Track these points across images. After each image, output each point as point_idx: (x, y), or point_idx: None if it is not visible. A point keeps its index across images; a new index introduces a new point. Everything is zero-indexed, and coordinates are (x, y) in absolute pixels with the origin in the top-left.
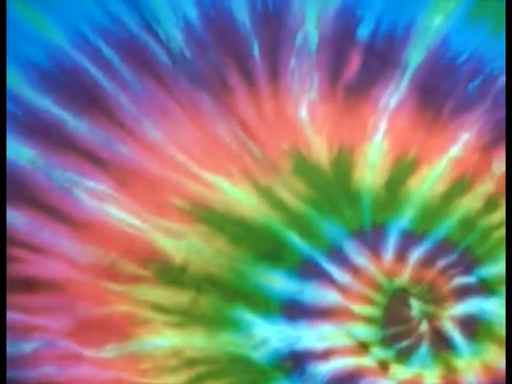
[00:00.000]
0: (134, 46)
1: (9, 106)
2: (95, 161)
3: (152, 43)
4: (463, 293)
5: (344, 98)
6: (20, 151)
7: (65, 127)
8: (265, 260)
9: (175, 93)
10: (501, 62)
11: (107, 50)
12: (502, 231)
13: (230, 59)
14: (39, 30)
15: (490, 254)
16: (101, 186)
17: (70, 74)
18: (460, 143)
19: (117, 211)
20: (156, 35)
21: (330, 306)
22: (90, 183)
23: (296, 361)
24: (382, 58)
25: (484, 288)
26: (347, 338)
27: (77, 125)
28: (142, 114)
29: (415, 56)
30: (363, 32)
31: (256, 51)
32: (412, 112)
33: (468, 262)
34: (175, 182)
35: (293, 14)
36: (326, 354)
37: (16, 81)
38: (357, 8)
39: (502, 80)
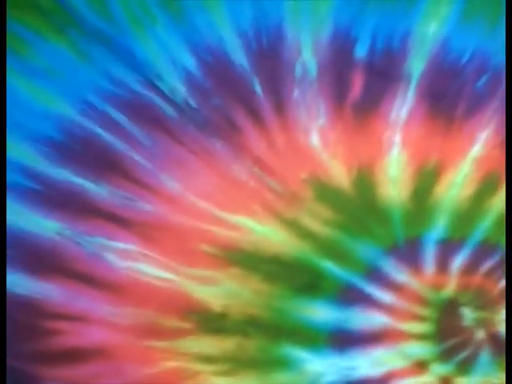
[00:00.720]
0: (140, 104)
1: (29, 183)
2: (120, 222)
3: (157, 99)
4: None
5: (353, 118)
6: (46, 224)
7: (86, 194)
8: (303, 293)
9: (186, 142)
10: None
11: (115, 113)
12: None
13: (234, 101)
14: (46, 104)
15: None
16: (129, 245)
17: (82, 142)
18: (479, 143)
19: (148, 268)
20: (159, 91)
21: (379, 328)
22: (119, 244)
23: None
24: (384, 72)
25: None
26: (403, 359)
27: (97, 190)
28: (158, 168)
29: (417, 65)
30: (361, 51)
31: (258, 88)
32: (424, 120)
33: None
34: (201, 230)
35: (288, 45)
36: (384, 380)
37: (32, 157)
38: (350, 28)
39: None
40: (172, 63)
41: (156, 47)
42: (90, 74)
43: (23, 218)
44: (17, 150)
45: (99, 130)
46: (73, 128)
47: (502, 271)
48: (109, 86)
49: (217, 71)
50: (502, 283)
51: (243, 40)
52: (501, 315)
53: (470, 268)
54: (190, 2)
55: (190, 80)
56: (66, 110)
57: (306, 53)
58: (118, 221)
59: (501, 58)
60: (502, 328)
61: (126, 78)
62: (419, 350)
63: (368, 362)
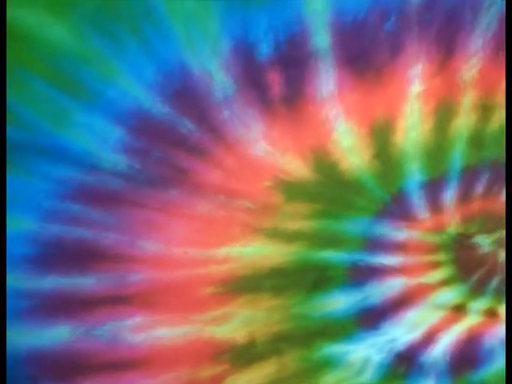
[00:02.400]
0: (89, 189)
1: (25, 302)
2: (118, 301)
3: (102, 178)
4: None
5: (287, 110)
6: (57, 333)
7: (79, 290)
8: (316, 290)
9: (147, 203)
10: None
11: (72, 206)
12: None
13: (172, 147)
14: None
15: None
16: (136, 318)
17: (57, 246)
18: (415, 79)
19: (163, 331)
20: (101, 171)
21: (401, 292)
22: (127, 322)
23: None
24: (296, 60)
25: None
26: (438, 311)
27: (87, 282)
28: (133, 238)
29: (322, 38)
30: (266, 51)
31: (189, 125)
32: (354, 87)
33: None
34: (196, 275)
35: (197, 77)
36: (429, 338)
37: (17, 277)
38: (247, 34)
39: None
40: (102, 141)
41: (85, 133)
42: (35, 182)
43: (32, 335)
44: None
45: (67, 230)
46: (41, 236)
47: (498, 186)
48: (55, 185)
49: (145, 128)
50: (503, 199)
51: (156, 89)
52: None
53: (464, 198)
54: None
55: (125, 147)
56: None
57: (217, 75)
58: (116, 301)
59: None
60: None
61: (68, 172)
62: (449, 296)
63: (405, 328)
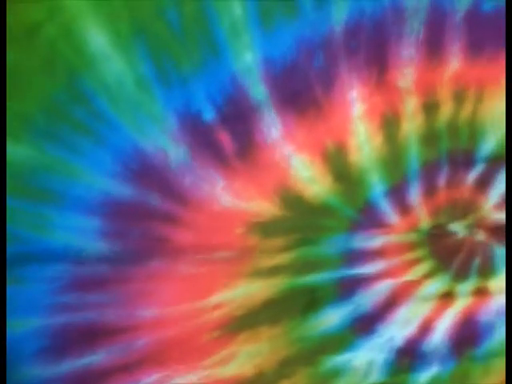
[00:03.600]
0: (74, 274)
1: None
2: (128, 368)
3: (85, 269)
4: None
5: (242, 164)
6: None
7: (95, 367)
8: (310, 309)
9: (133, 278)
10: None
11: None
12: None
13: (147, 219)
14: None
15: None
16: (151, 378)
17: (64, 330)
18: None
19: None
20: (82, 261)
21: (388, 294)
22: None
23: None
24: (238, 114)
25: None
26: (428, 303)
27: (98, 357)
28: (131, 310)
29: (260, 90)
30: (209, 114)
31: (155, 202)
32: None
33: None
34: (195, 326)
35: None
36: (426, 327)
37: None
38: (192, 101)
39: None
40: (82, 234)
41: (66, 231)
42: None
43: None
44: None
45: (70, 317)
46: (49, 329)
47: (460, 173)
48: (49, 283)
49: (117, 212)
50: (467, 184)
51: (118, 176)
52: (489, 207)
53: (429, 192)
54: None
55: (103, 234)
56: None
57: (170, 148)
58: (128, 367)
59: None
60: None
61: (58, 269)
62: (435, 286)
63: (400, 325)
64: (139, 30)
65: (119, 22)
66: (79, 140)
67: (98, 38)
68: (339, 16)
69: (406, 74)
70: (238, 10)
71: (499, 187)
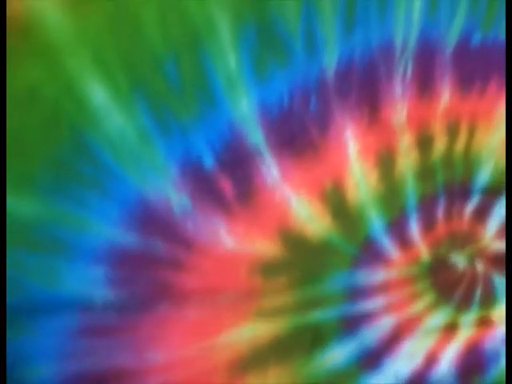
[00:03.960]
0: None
1: None
2: None
3: (93, 317)
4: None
5: (244, 210)
6: None
7: None
8: (316, 347)
9: (147, 324)
10: None
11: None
12: None
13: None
14: None
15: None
16: None
17: None
18: (351, 141)
19: None
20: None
21: (391, 331)
22: None
23: None
24: (239, 157)
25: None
26: (431, 336)
27: None
28: (142, 366)
29: (256, 138)
30: (208, 163)
31: (160, 248)
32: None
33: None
34: (207, 365)
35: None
36: (431, 360)
37: None
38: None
39: None
40: (89, 282)
41: (73, 281)
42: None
43: None
44: None
45: (81, 365)
46: (60, 378)
47: (457, 205)
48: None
49: (124, 260)
50: (465, 215)
51: (124, 225)
52: (488, 238)
53: (428, 226)
54: None
55: (110, 282)
56: None
57: (173, 195)
58: None
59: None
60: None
61: (65, 319)
62: (438, 318)
63: (405, 358)
64: (138, 84)
65: (118, 77)
66: (85, 193)
67: (98, 94)
68: (329, 60)
69: (399, 111)
70: (232, 62)
71: (497, 217)
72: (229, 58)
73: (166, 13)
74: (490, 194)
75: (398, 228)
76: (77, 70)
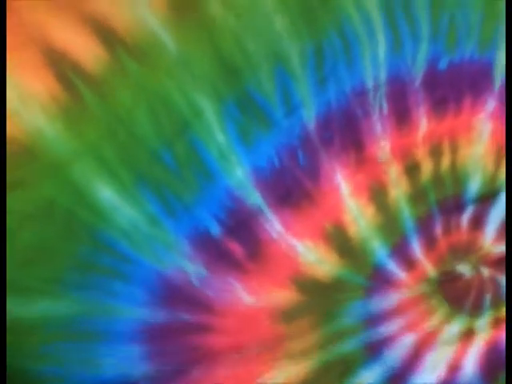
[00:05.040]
0: None
1: None
2: None
3: None
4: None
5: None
6: None
7: None
8: (344, 377)
9: None
10: None
11: None
12: None
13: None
14: None
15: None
16: None
17: None
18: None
19: None
20: None
21: (411, 348)
22: None
23: None
24: (241, 219)
25: None
26: (452, 345)
27: None
28: None
29: (255, 199)
30: (216, 230)
31: (186, 317)
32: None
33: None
34: None
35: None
36: (455, 367)
37: None
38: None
39: None
40: (126, 361)
41: (111, 364)
42: None
43: None
44: None
45: None
46: None
47: (454, 219)
48: None
49: (156, 336)
50: (463, 227)
51: (150, 306)
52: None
53: (429, 244)
54: None
55: (146, 357)
56: None
57: (189, 267)
58: None
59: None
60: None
61: None
62: (455, 329)
63: (430, 370)
64: (140, 176)
65: (121, 174)
66: (110, 282)
67: (106, 193)
68: (309, 115)
69: (382, 146)
70: (221, 137)
71: (493, 222)
72: (217, 135)
73: (154, 108)
74: (483, 201)
75: (401, 252)
76: (84, 176)
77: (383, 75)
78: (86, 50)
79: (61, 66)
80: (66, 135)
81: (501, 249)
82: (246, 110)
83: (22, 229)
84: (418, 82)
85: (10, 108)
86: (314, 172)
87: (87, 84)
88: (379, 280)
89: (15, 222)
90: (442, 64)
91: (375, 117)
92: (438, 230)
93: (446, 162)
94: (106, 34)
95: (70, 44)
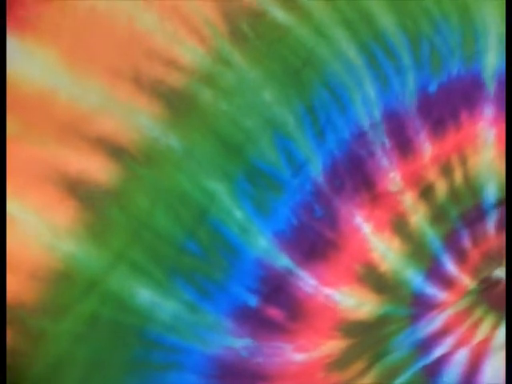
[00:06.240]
0: None
1: None
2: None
3: None
4: None
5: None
6: None
7: None
8: None
9: None
10: None
11: None
12: None
13: None
14: None
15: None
16: None
17: None
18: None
19: None
20: None
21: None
22: None
23: None
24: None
25: None
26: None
27: None
28: None
29: (285, 262)
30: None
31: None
32: None
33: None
34: None
35: None
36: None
37: None
38: None
39: None
40: None
41: None
42: None
43: None
44: None
45: None
46: None
47: (478, 230)
48: None
49: None
50: (491, 226)
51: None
52: None
53: (460, 260)
54: None
55: None
56: None
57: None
58: None
59: None
60: None
61: None
62: (502, 333)
63: (492, 379)
64: (172, 270)
65: (154, 273)
66: (165, 376)
67: (145, 295)
68: (316, 169)
69: (392, 179)
70: (238, 214)
71: None
72: (234, 213)
73: (172, 204)
74: (503, 203)
75: (436, 273)
76: (121, 284)
77: (378, 113)
78: (98, 169)
79: (79, 189)
80: (96, 252)
81: None
82: (255, 182)
83: (74, 350)
84: (412, 110)
85: (42, 241)
86: (333, 220)
87: (106, 199)
88: (421, 306)
89: (67, 344)
90: (432, 87)
91: (379, 153)
92: (467, 242)
93: (458, 176)
94: (114, 150)
95: (82, 167)
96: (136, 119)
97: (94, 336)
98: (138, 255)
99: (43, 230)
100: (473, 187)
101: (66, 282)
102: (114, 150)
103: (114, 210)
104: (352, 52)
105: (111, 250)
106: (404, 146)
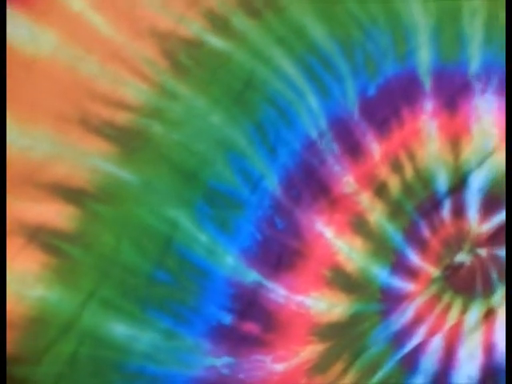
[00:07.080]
0: None
1: None
2: None
3: None
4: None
5: None
6: None
7: None
8: None
9: None
10: None
11: None
12: None
13: None
14: None
15: None
16: None
17: None
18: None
19: None
20: None
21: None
22: None
23: None
24: None
25: None
26: (477, 330)
27: None
28: None
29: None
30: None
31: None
32: None
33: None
34: None
35: None
36: (489, 346)
37: None
38: None
39: None
40: None
41: None
42: None
43: None
44: None
45: None
46: None
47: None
48: None
49: None
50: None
51: None
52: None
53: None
54: None
55: None
56: None
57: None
58: None
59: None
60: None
61: None
62: (474, 314)
63: (468, 362)
64: (144, 301)
65: (126, 307)
66: None
67: (120, 329)
68: (272, 183)
69: (346, 181)
70: (202, 237)
71: (472, 206)
72: (199, 236)
73: (136, 238)
74: (455, 190)
75: (400, 266)
76: (95, 322)
77: (323, 122)
78: (57, 214)
79: (40, 236)
80: (67, 294)
81: (487, 226)
82: (215, 204)
83: None
84: (355, 114)
85: (12, 291)
86: (295, 230)
87: (69, 243)
88: (390, 300)
89: None
90: (371, 90)
91: (331, 160)
92: (426, 232)
93: (408, 170)
94: (71, 193)
95: (41, 214)
96: (89, 160)
97: (75, 374)
98: (108, 292)
99: (11, 280)
100: (424, 179)
101: (40, 327)
102: (71, 193)
103: (79, 251)
104: (290, 68)
105: (81, 290)
106: (353, 149)
